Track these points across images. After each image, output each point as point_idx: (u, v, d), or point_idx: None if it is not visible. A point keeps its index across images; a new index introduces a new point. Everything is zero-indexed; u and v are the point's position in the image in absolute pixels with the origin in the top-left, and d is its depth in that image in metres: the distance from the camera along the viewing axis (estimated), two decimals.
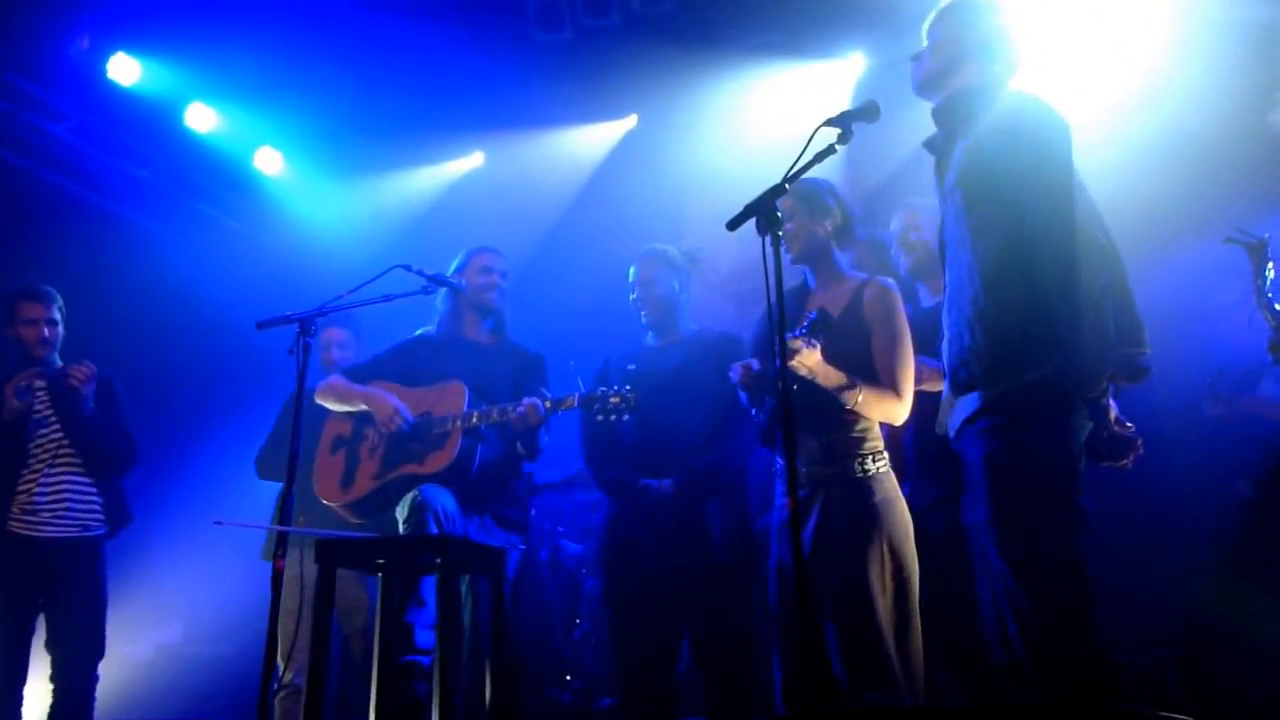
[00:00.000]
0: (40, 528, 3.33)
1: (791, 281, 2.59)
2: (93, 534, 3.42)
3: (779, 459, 2.53)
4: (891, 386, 2.43)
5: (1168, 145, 3.59)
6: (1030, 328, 1.86)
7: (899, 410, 2.45)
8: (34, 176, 4.50)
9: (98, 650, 3.38)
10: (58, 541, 3.34)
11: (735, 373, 2.49)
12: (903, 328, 2.51)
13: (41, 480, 3.35)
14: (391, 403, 2.93)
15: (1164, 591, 3.21)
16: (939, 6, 2.21)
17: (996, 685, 2.48)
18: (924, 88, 2.20)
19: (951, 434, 2.08)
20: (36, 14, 4.10)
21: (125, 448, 3.51)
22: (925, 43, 2.21)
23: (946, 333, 2.03)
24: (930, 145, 2.24)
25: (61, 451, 3.40)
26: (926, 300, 3.00)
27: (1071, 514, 1.80)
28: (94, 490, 3.44)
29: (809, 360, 2.31)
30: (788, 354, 2.22)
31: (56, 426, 3.41)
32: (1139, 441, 2.13)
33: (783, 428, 1.80)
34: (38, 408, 3.41)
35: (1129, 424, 2.14)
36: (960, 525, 2.05)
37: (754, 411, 2.53)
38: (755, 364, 2.47)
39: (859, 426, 2.44)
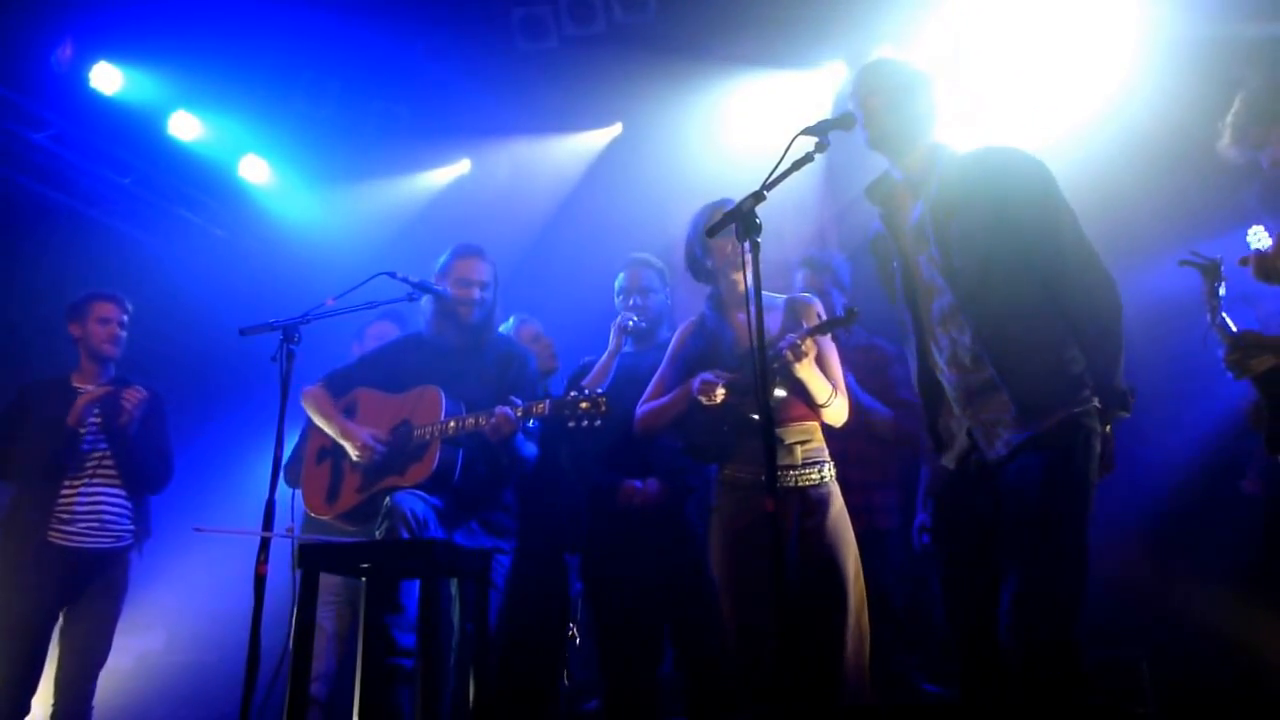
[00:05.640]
0: (76, 538, 3.37)
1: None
2: (123, 545, 3.48)
3: (714, 468, 2.63)
4: (843, 391, 2.62)
5: (1133, 160, 3.67)
6: (1070, 364, 1.97)
7: (846, 412, 2.62)
8: (15, 184, 4.49)
9: (103, 659, 3.41)
10: (92, 552, 3.38)
11: (699, 387, 2.51)
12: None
13: (81, 492, 3.40)
14: (361, 437, 2.91)
15: (1134, 587, 3.27)
16: (871, 68, 2.23)
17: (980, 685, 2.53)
18: (882, 143, 2.20)
19: (975, 466, 2.10)
20: (17, 23, 4.09)
21: (163, 469, 3.58)
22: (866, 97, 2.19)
23: (975, 373, 2.04)
24: (872, 195, 2.27)
25: (103, 465, 3.45)
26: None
27: (1086, 526, 1.92)
28: (127, 504, 3.49)
29: (810, 361, 2.42)
30: (798, 354, 2.35)
31: (103, 440, 3.45)
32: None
33: (764, 436, 1.85)
34: (89, 421, 3.45)
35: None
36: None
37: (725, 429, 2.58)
38: (724, 376, 2.50)
39: (816, 436, 2.57)
